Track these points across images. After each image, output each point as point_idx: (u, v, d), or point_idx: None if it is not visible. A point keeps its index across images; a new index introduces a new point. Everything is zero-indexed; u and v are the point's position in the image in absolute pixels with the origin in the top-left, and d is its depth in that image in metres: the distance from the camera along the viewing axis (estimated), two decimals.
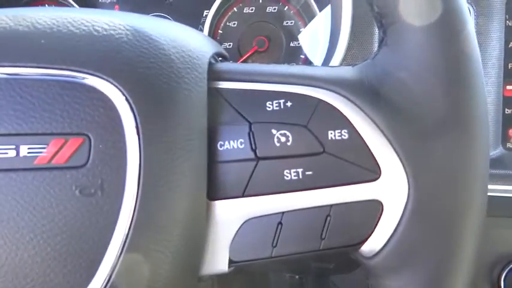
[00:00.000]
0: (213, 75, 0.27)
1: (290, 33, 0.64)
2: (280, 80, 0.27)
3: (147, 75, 0.24)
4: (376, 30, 0.56)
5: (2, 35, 0.24)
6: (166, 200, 0.23)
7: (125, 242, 0.22)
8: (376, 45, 0.55)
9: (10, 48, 0.24)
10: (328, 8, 0.60)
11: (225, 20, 0.64)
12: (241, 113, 0.26)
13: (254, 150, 0.25)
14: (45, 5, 0.66)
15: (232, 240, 0.26)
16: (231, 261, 0.26)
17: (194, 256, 0.25)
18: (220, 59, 0.32)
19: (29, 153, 0.23)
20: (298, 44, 0.63)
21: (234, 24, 0.64)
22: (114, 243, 0.23)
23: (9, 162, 0.23)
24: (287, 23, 0.64)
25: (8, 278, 0.22)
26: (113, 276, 0.23)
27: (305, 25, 0.63)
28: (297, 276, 0.71)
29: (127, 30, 0.25)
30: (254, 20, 0.64)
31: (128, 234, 0.23)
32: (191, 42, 0.27)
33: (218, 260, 0.26)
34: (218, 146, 0.26)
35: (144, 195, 0.23)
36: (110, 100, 0.23)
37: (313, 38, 0.63)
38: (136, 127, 0.23)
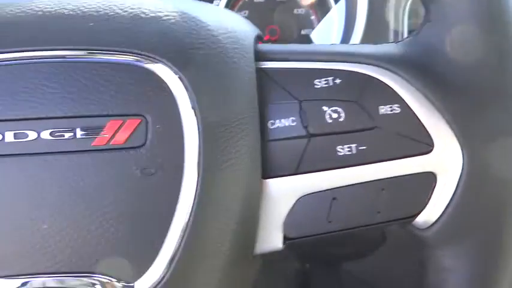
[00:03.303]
0: (259, 55, 0.27)
1: (301, 21, 0.64)
2: (326, 58, 0.27)
3: (198, 55, 0.24)
4: (392, 22, 0.56)
5: (47, 18, 0.24)
6: (225, 179, 0.23)
7: (188, 220, 0.23)
8: (391, 37, 0.56)
9: (57, 31, 0.24)
10: (342, 2, 0.60)
11: (235, 10, 0.64)
12: (290, 91, 0.26)
13: (306, 127, 0.25)
14: None
15: (287, 217, 0.26)
16: (286, 238, 0.26)
17: (250, 234, 0.25)
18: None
19: (86, 134, 0.23)
20: (309, 31, 0.63)
21: (245, 13, 0.64)
22: (176, 222, 0.23)
23: (67, 144, 0.22)
24: (297, 11, 0.64)
25: (72, 260, 0.22)
26: (177, 256, 0.23)
27: (316, 13, 0.63)
28: (307, 264, 0.71)
29: (173, 12, 0.25)
30: (265, 9, 0.64)
31: (191, 212, 0.23)
32: (235, 24, 0.27)
33: (273, 237, 0.26)
34: (269, 124, 0.26)
35: (204, 174, 0.23)
36: (162, 81, 0.23)
37: (325, 32, 0.62)
38: (193, 107, 0.23)
